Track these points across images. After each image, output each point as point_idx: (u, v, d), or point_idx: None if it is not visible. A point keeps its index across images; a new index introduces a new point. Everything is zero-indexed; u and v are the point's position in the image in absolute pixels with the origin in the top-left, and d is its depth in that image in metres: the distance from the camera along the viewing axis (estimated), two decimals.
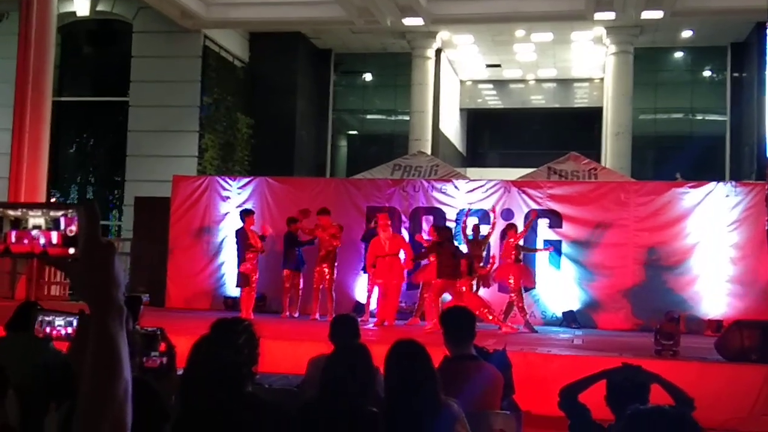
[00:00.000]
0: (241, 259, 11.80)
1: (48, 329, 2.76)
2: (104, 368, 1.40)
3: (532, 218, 11.90)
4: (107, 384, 1.40)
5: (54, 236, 1.44)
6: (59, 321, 2.74)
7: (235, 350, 2.97)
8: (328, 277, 12.00)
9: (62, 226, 1.44)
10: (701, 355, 8.49)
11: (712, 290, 11.88)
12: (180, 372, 3.38)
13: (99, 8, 20.03)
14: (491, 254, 11.91)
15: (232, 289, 12.93)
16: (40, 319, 2.74)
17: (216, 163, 19.67)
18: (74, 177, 21.52)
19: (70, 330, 2.71)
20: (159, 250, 13.58)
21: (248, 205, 13.04)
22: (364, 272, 12.18)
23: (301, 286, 12.33)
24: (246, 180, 14.07)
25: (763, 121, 19.27)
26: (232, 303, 12.92)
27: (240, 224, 11.92)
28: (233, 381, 2.95)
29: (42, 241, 1.44)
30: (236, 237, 11.97)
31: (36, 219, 1.45)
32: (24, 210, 1.45)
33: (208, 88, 19.59)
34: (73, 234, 1.44)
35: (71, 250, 1.44)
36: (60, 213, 1.44)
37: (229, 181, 13.98)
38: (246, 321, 3.19)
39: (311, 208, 12.31)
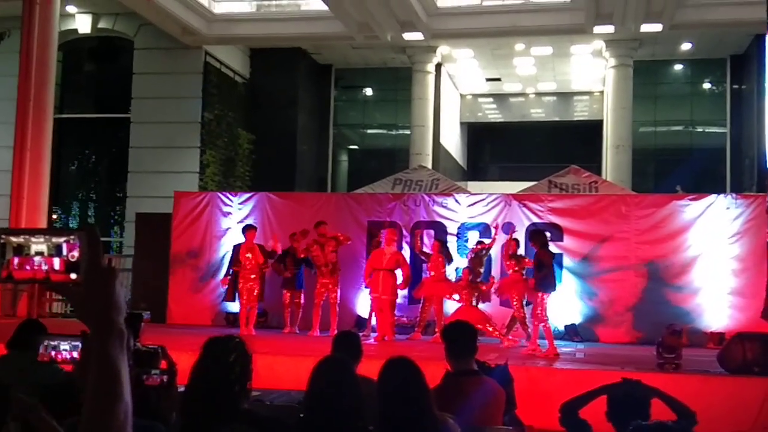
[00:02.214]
0: (225, 273, 12.21)
1: (53, 353, 2.76)
2: (105, 391, 1.42)
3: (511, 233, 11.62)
4: (107, 406, 1.41)
5: (56, 262, 1.45)
6: (64, 345, 2.74)
7: (227, 368, 2.97)
8: (333, 292, 11.72)
9: (64, 252, 1.45)
10: (703, 368, 8.46)
11: (714, 303, 11.85)
12: (181, 389, 3.38)
13: (100, 25, 20.17)
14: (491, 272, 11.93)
15: (233, 305, 12.90)
16: (45, 343, 2.74)
17: (217, 178, 19.71)
18: (76, 193, 21.55)
19: (75, 354, 2.71)
20: (160, 266, 13.55)
21: (249, 221, 13.04)
22: (367, 287, 12.11)
23: (302, 302, 12.15)
24: (247, 195, 14.07)
25: (763, 133, 19.24)
26: (233, 319, 12.89)
27: (242, 240, 11.97)
28: (227, 398, 2.96)
29: (44, 267, 1.46)
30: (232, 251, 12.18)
31: (38, 245, 1.46)
32: (26, 237, 1.47)
33: (209, 104, 19.66)
34: (75, 260, 1.45)
35: (73, 276, 1.45)
36: (62, 239, 1.46)
37: (230, 197, 13.98)
38: (237, 338, 3.17)
39: (312, 223, 12.10)
